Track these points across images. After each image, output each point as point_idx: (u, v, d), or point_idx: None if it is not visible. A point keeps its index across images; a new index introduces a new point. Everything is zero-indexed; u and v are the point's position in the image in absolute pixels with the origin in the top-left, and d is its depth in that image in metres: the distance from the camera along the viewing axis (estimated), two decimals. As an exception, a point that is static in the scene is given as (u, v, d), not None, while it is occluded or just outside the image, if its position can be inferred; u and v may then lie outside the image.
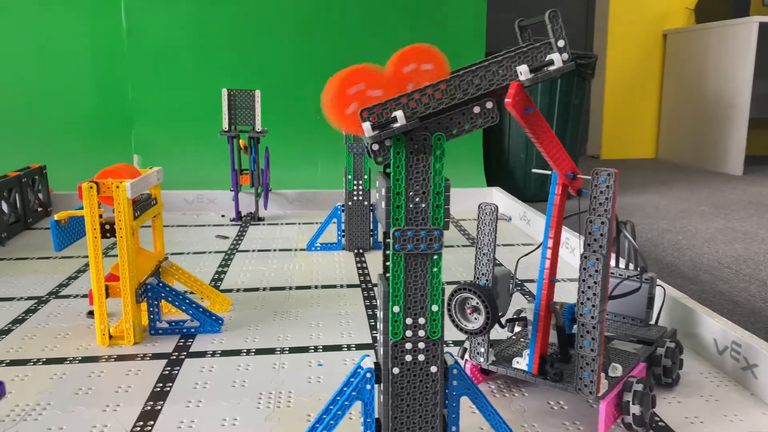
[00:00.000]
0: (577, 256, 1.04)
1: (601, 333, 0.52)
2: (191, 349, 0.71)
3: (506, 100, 0.44)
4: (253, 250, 1.13)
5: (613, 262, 0.69)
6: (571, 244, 1.06)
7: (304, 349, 0.72)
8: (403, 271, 0.43)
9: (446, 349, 0.48)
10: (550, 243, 0.56)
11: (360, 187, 1.11)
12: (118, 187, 0.68)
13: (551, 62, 0.43)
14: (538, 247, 0.58)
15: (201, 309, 0.76)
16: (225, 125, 1.30)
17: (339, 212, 1.13)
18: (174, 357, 0.70)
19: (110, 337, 0.72)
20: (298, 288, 0.93)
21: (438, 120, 0.42)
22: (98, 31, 1.67)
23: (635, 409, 0.54)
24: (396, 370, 0.45)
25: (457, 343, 0.73)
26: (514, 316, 0.66)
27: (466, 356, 0.61)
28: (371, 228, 1.13)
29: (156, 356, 0.70)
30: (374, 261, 1.07)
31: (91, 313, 0.75)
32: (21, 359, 0.69)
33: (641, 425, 0.54)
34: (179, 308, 0.75)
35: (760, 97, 2.36)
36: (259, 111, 1.30)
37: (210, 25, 1.65)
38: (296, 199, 1.51)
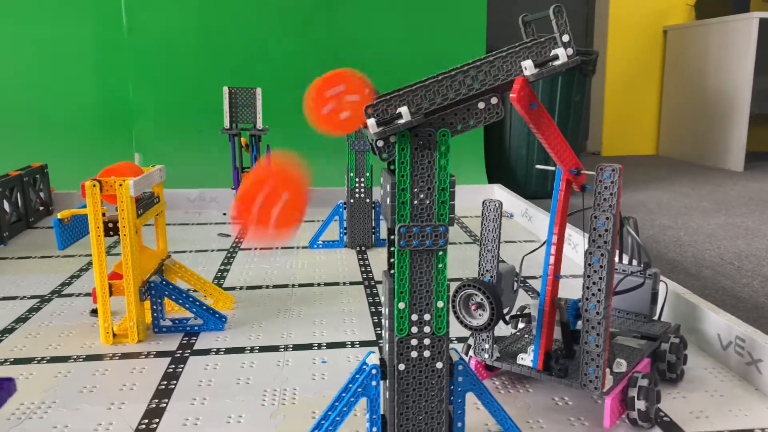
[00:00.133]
0: (579, 253, 1.04)
1: (606, 329, 0.52)
2: (195, 347, 0.71)
3: (511, 95, 0.44)
4: (255, 248, 1.13)
5: (616, 258, 0.69)
6: (574, 241, 1.06)
7: (308, 347, 0.72)
8: (408, 267, 0.43)
9: (450, 345, 0.48)
10: (555, 239, 0.56)
11: (362, 185, 1.11)
12: (121, 185, 0.67)
13: (556, 57, 0.43)
14: (543, 244, 0.58)
15: (204, 307, 0.76)
16: (226, 123, 1.30)
17: (341, 210, 1.13)
18: (178, 355, 0.70)
19: (114, 335, 0.72)
20: (300, 285, 0.93)
21: (442, 116, 0.42)
22: (99, 30, 1.67)
23: (640, 404, 0.54)
24: (402, 367, 0.45)
25: (460, 339, 0.73)
26: (518, 313, 0.66)
27: (471, 352, 0.61)
28: (373, 225, 1.13)
29: (160, 354, 0.70)
30: (376, 258, 1.07)
31: (94, 312, 0.75)
32: (25, 357, 0.69)
33: (646, 420, 0.54)
34: (183, 306, 0.75)
35: (761, 93, 2.36)
36: (260, 109, 1.29)
37: (211, 23, 1.65)
38: (298, 197, 1.51)
